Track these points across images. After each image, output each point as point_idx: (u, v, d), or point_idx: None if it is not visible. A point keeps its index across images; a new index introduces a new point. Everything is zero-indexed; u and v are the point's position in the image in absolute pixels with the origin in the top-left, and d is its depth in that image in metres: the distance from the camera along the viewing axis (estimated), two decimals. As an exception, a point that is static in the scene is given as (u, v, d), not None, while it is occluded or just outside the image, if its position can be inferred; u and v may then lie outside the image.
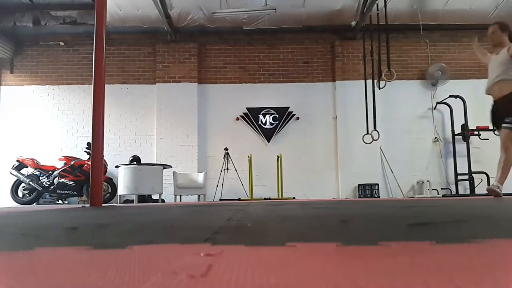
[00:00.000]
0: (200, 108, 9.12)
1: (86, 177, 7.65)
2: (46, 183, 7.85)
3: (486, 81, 4.59)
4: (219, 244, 0.68)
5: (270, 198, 8.12)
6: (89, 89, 8.13)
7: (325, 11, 8.68)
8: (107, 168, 7.86)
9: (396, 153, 8.88)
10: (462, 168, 8.49)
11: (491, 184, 4.76)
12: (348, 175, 8.87)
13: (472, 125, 8.43)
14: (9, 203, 7.95)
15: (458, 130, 8.66)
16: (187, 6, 8.39)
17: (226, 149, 8.74)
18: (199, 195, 8.26)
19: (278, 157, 8.30)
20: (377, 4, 7.90)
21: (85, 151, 8.01)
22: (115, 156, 8.75)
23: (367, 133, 8.31)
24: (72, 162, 7.99)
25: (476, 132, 8.43)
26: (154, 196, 8.37)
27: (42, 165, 8.07)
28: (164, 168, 7.94)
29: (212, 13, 8.38)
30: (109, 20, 7.97)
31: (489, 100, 4.59)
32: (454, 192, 8.64)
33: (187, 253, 0.60)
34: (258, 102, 9.16)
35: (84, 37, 9.08)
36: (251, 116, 9.10)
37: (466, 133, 8.42)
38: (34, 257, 0.60)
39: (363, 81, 8.49)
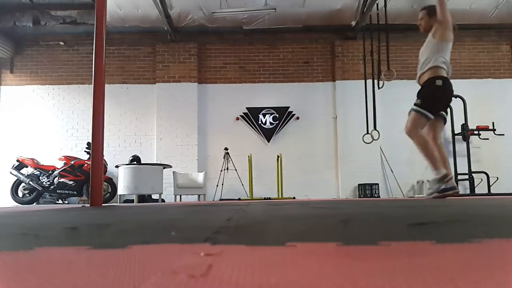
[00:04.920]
0: (200, 108, 9.12)
1: (86, 177, 7.65)
2: (46, 183, 7.85)
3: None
4: (219, 243, 0.68)
5: (270, 198, 8.12)
6: (89, 89, 8.12)
7: (325, 10, 8.68)
8: (107, 168, 7.86)
9: (396, 152, 8.88)
10: (462, 168, 8.48)
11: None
12: (348, 175, 8.87)
13: (472, 125, 8.42)
14: (9, 203, 7.95)
15: (458, 130, 8.65)
16: (187, 6, 8.39)
17: (226, 149, 8.74)
18: (199, 195, 8.26)
19: (278, 157, 8.30)
20: (377, 4, 7.90)
21: (85, 151, 8.00)
22: (115, 156, 8.76)
23: (367, 132, 8.31)
24: (72, 162, 7.99)
25: (476, 132, 8.42)
26: (154, 196, 8.37)
27: (42, 165, 8.07)
28: (164, 168, 7.94)
29: (212, 13, 8.39)
30: (109, 20, 7.97)
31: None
32: (454, 192, 8.62)
33: (187, 253, 0.60)
34: (258, 102, 9.16)
35: (84, 37, 9.08)
36: (251, 116, 9.10)
37: (466, 133, 8.42)
38: (34, 257, 0.60)
39: (363, 80, 8.49)
